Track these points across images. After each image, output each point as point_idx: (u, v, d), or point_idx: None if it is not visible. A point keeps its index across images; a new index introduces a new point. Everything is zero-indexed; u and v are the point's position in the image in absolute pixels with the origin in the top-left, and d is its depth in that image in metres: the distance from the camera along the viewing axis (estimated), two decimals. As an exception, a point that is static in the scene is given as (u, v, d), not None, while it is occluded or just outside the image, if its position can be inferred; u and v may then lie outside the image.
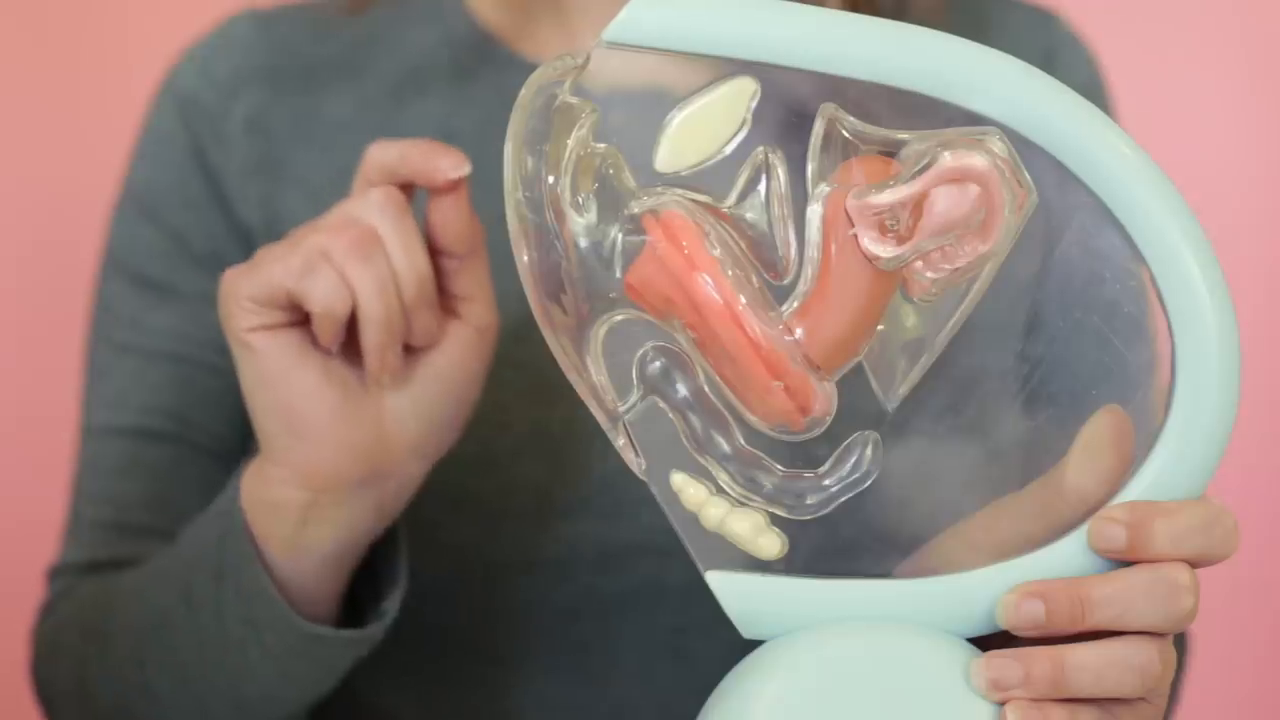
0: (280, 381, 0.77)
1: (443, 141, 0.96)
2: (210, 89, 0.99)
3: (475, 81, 0.98)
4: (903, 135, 0.66)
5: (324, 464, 0.78)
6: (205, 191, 0.98)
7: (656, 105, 0.67)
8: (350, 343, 0.78)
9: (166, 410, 0.96)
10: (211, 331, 0.95)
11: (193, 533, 0.85)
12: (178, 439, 0.95)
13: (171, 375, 0.96)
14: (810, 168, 0.66)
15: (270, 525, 0.80)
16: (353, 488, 0.79)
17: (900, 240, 0.66)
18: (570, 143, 0.67)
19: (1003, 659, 0.66)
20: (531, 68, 0.68)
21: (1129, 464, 0.68)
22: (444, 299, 0.80)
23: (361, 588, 0.85)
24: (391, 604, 0.83)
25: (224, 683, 0.83)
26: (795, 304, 0.67)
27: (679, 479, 0.68)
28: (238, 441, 0.96)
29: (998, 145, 0.66)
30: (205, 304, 0.96)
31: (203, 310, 0.96)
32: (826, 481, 0.68)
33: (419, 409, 0.79)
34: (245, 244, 0.97)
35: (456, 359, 0.80)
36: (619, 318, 0.68)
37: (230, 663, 0.82)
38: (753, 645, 0.69)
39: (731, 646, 0.70)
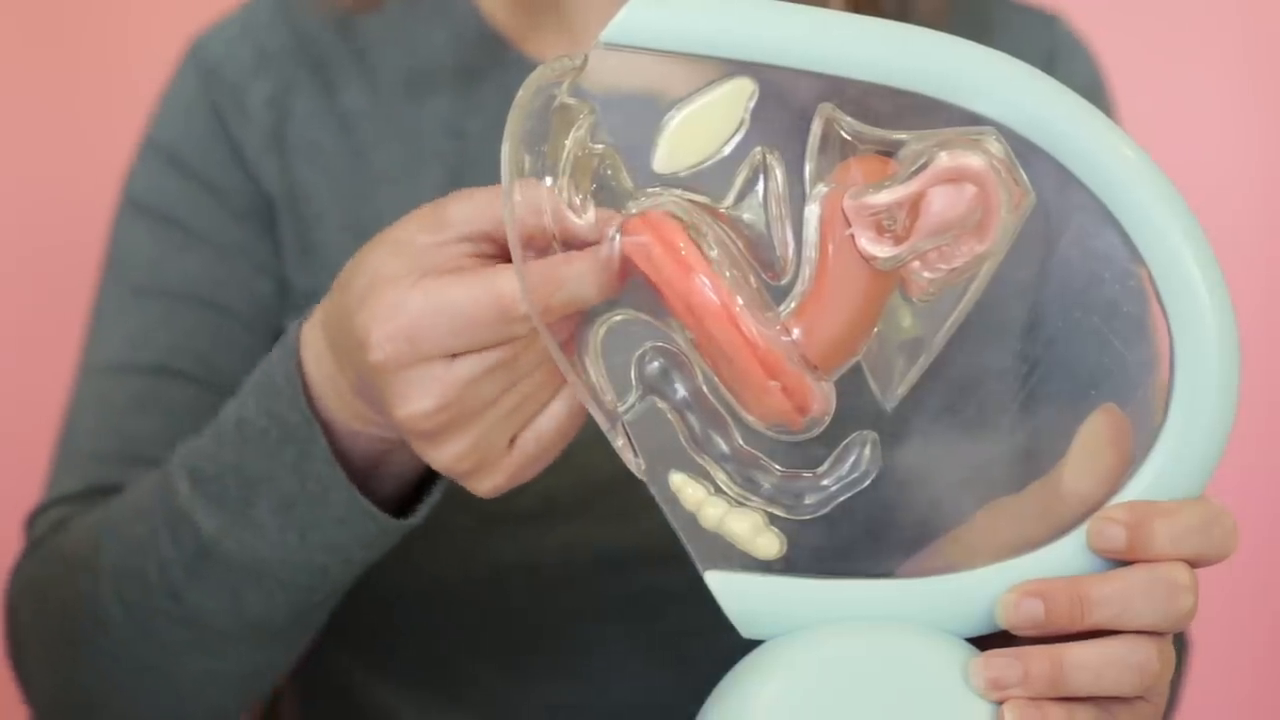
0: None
1: (452, 139, 0.97)
2: (234, 63, 0.99)
3: (483, 82, 0.99)
4: (900, 135, 0.66)
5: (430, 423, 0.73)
6: (231, 155, 0.98)
7: (654, 106, 0.67)
8: None
9: (192, 351, 0.94)
10: (245, 286, 0.95)
11: (230, 459, 0.80)
12: (202, 382, 0.94)
13: (199, 319, 0.95)
14: (808, 168, 0.66)
15: (351, 446, 0.77)
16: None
17: (897, 240, 0.66)
18: (568, 143, 0.67)
19: (1001, 658, 0.66)
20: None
21: (1128, 464, 0.68)
22: None
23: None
24: (435, 495, 0.79)
25: (280, 553, 0.79)
26: (793, 304, 0.67)
27: (678, 479, 0.68)
28: None
29: (994, 145, 0.66)
30: (242, 258, 0.96)
31: (238, 263, 0.96)
32: (825, 481, 0.68)
33: None
34: (270, 212, 0.97)
35: None
36: (618, 318, 0.68)
37: (301, 582, 0.79)
38: (753, 648, 0.69)
39: (732, 650, 0.70)
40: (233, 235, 0.96)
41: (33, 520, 0.94)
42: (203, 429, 0.82)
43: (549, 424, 0.71)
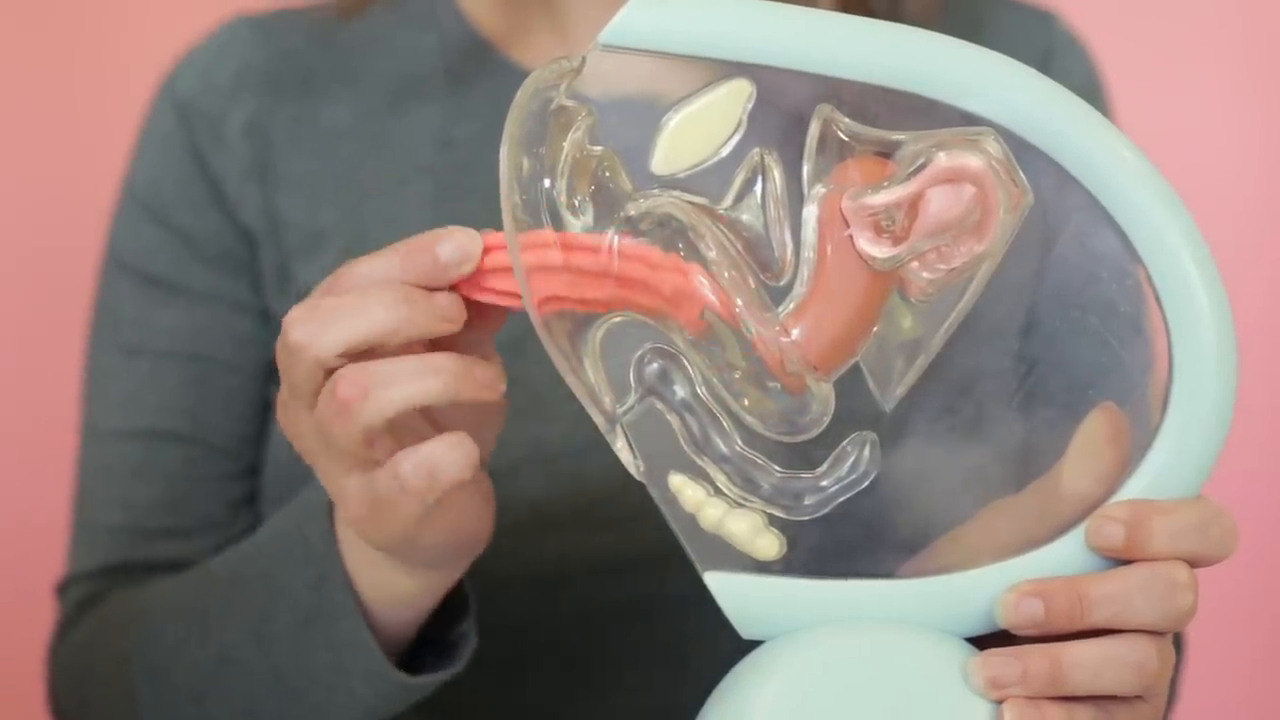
0: (450, 508, 0.72)
1: (440, 149, 0.97)
2: (209, 93, 0.99)
3: (472, 89, 0.98)
4: (898, 136, 0.66)
5: (468, 562, 0.77)
6: (208, 194, 0.98)
7: (652, 108, 0.67)
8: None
9: (180, 410, 0.95)
10: (224, 330, 0.95)
11: (262, 566, 0.82)
12: (192, 440, 0.95)
13: (184, 374, 0.96)
14: (806, 169, 0.66)
15: (385, 595, 0.77)
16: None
17: (896, 241, 0.66)
18: (566, 145, 0.67)
19: (1000, 657, 0.66)
20: (528, 74, 0.68)
21: (1126, 463, 0.68)
22: None
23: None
24: (469, 627, 0.81)
25: (297, 716, 0.81)
26: (792, 305, 0.67)
27: (677, 480, 0.68)
28: (252, 438, 0.96)
29: (993, 145, 0.66)
30: (219, 303, 0.96)
31: (216, 309, 0.96)
32: (824, 482, 0.68)
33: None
34: (250, 246, 0.97)
35: None
36: (616, 320, 0.68)
37: (310, 700, 0.80)
38: (752, 648, 0.69)
39: (731, 654, 0.70)
40: (209, 282, 0.96)
41: (61, 591, 0.96)
42: (198, 488, 0.84)
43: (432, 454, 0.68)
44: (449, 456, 0.67)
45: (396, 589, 0.77)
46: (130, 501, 0.95)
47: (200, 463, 0.94)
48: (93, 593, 0.94)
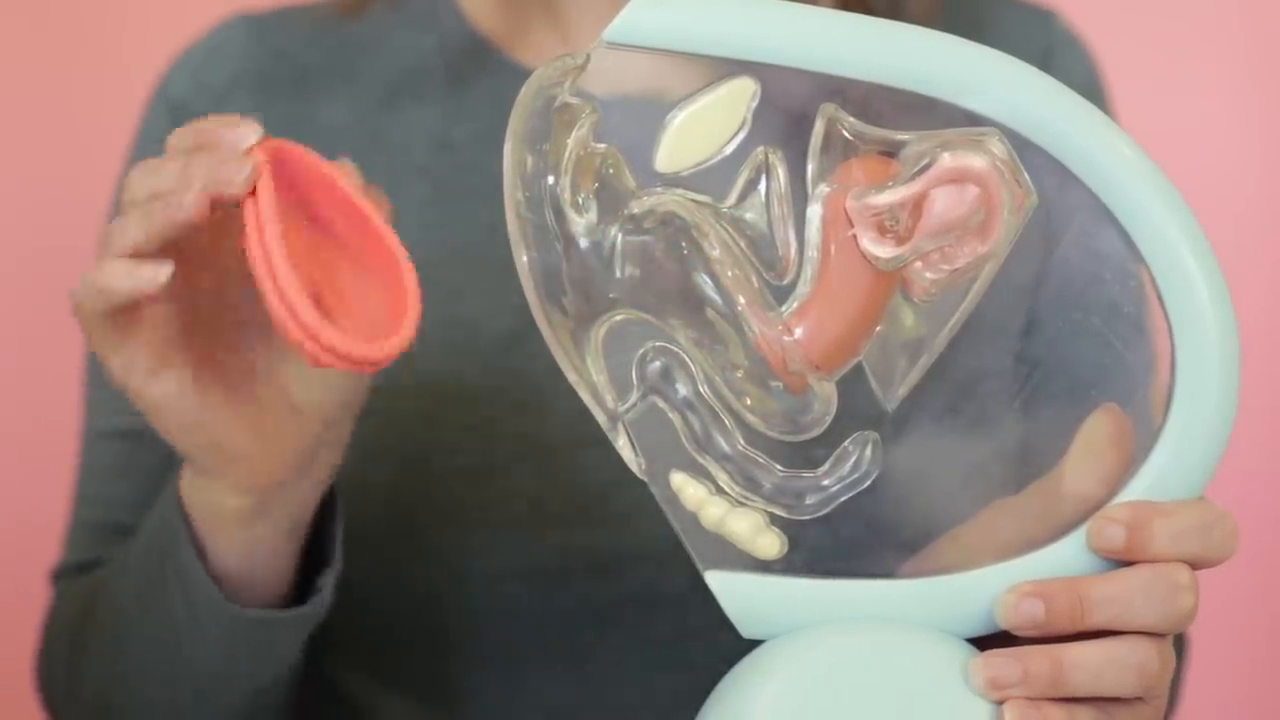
0: (188, 414, 0.75)
1: (438, 150, 0.96)
2: (202, 95, 0.98)
3: (471, 88, 0.98)
4: (903, 136, 0.66)
5: (258, 477, 0.77)
6: None
7: (656, 106, 0.67)
8: (212, 338, 0.76)
9: None
10: None
11: (145, 525, 0.86)
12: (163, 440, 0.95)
13: None
14: (810, 168, 0.66)
15: (216, 526, 0.80)
16: (292, 481, 0.78)
17: (900, 241, 0.66)
18: (570, 143, 0.67)
19: (1001, 658, 0.66)
20: (528, 74, 0.68)
21: (1128, 464, 0.68)
22: None
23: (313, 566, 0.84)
24: (326, 580, 0.82)
25: (179, 669, 0.83)
26: (795, 304, 0.67)
27: (678, 478, 0.68)
28: None
29: (997, 146, 0.66)
30: None
31: None
32: (826, 482, 0.68)
33: (322, 377, 0.77)
34: None
35: None
36: (619, 318, 0.68)
37: (182, 649, 0.82)
38: (753, 648, 0.69)
39: (731, 651, 0.70)
40: None
41: (52, 585, 0.97)
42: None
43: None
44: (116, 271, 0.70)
45: (222, 510, 0.79)
46: (109, 500, 0.96)
47: (177, 463, 0.95)
48: (70, 588, 0.95)
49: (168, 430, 0.76)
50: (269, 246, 0.67)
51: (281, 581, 0.82)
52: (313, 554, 0.84)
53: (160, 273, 0.69)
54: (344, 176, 0.70)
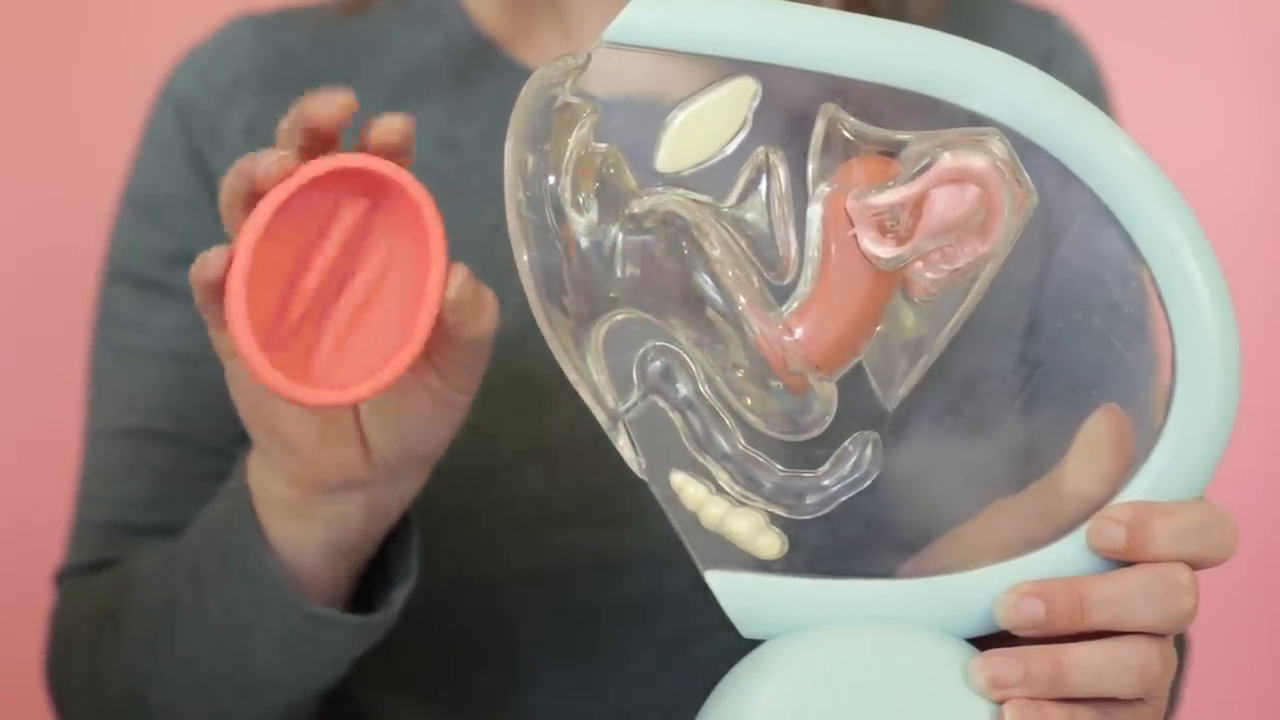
0: (264, 402, 0.76)
1: (443, 149, 0.96)
2: (209, 94, 0.98)
3: (475, 88, 0.98)
4: (903, 135, 0.66)
5: (307, 473, 0.77)
6: (205, 195, 0.97)
7: (657, 105, 0.67)
8: None
9: (168, 409, 0.95)
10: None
11: (203, 516, 0.85)
12: (179, 439, 0.95)
13: (173, 374, 0.96)
14: (811, 168, 0.66)
15: (267, 515, 0.80)
16: (337, 492, 0.78)
17: (900, 241, 0.66)
18: (571, 142, 0.67)
19: (1001, 657, 0.66)
20: (531, 73, 0.68)
21: (1129, 464, 0.68)
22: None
23: (377, 584, 0.84)
24: (399, 595, 0.82)
25: (228, 667, 0.83)
26: (795, 304, 0.67)
27: (679, 478, 0.68)
28: (239, 437, 0.96)
29: (998, 146, 0.66)
30: None
31: None
32: (826, 481, 0.68)
33: (391, 426, 0.76)
34: None
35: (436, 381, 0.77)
36: (619, 317, 0.68)
37: (235, 646, 0.82)
38: (753, 648, 0.69)
39: (732, 651, 0.70)
40: None
41: (56, 584, 0.97)
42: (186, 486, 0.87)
43: None
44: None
45: (270, 495, 0.79)
46: (120, 499, 0.95)
47: (188, 461, 0.95)
48: (84, 585, 0.95)
49: (237, 396, 0.76)
50: (237, 255, 0.69)
51: (325, 599, 0.82)
52: (376, 581, 0.84)
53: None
54: (439, 245, 0.71)
